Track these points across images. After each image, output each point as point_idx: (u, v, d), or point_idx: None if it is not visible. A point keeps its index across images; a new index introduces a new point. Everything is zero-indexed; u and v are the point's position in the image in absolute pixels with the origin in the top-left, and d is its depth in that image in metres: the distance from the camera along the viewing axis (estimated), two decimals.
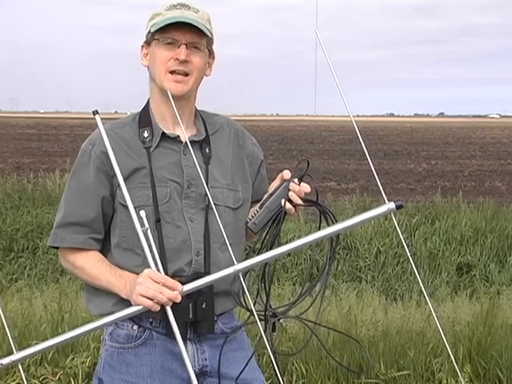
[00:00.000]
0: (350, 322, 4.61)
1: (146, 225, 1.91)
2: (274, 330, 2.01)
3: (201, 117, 2.18)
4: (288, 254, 6.40)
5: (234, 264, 1.94)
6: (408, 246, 2.02)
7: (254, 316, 1.97)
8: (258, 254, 1.96)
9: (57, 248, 2.11)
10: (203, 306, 2.00)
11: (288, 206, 1.98)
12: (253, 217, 2.02)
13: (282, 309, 2.03)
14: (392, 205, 1.86)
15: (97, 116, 1.96)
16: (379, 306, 5.67)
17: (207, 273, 2.02)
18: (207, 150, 2.10)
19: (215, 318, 2.08)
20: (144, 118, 2.12)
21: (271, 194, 2.01)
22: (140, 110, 2.15)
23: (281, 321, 2.02)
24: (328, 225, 1.99)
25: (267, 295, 2.01)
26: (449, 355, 4.12)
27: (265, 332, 1.97)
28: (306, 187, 1.99)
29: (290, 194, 1.98)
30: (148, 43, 2.10)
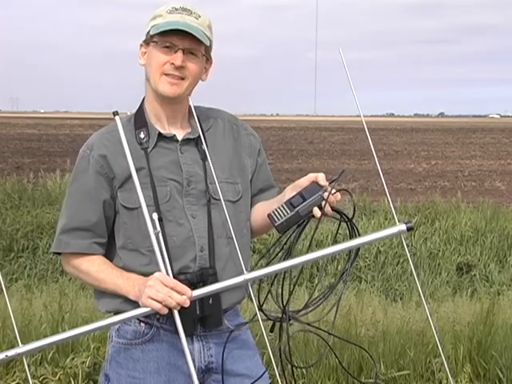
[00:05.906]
0: (349, 322, 4.61)
1: (158, 228, 1.91)
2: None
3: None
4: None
5: (238, 259, 1.97)
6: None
7: (264, 314, 1.97)
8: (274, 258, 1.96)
9: (59, 254, 2.12)
10: (210, 301, 2.01)
11: (319, 214, 1.93)
12: (279, 215, 1.96)
13: (293, 310, 2.02)
14: (403, 226, 1.91)
15: (117, 117, 1.96)
16: (379, 306, 5.67)
17: (212, 267, 2.05)
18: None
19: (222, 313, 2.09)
20: (139, 119, 2.12)
21: (303, 198, 1.94)
22: (135, 110, 2.16)
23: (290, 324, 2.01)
24: (350, 238, 1.99)
25: (289, 294, 2.02)
26: (449, 356, 4.12)
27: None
28: (337, 196, 1.96)
29: (324, 203, 1.93)
30: (147, 43, 2.11)
